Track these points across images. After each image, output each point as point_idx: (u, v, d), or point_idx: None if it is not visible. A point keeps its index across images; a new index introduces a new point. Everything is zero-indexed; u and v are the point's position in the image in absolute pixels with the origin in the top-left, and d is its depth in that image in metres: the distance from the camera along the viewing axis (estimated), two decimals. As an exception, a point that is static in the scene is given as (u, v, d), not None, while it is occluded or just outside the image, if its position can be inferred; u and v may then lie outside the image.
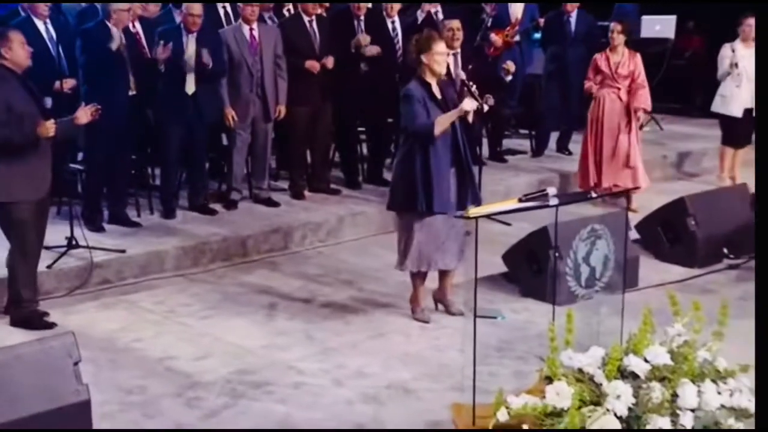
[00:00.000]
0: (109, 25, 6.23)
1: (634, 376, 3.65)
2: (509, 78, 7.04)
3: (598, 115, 7.41)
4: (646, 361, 3.71)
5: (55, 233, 5.89)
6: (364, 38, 7.34)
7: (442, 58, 5.11)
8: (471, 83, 5.19)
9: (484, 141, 8.42)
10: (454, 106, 5.05)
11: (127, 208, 6.75)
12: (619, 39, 7.36)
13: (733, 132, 7.99)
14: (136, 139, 6.78)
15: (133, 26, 6.77)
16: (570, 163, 8.48)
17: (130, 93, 6.34)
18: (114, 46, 6.16)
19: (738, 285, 5.76)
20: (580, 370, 3.66)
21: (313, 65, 7.04)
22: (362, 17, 7.49)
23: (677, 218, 6.09)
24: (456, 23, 6.85)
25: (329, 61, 7.09)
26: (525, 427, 3.53)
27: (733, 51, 7.76)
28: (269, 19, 7.54)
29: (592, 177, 7.43)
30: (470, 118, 4.99)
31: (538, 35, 9.67)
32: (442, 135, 4.99)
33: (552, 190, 4.06)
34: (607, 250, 3.94)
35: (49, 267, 5.71)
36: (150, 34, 6.75)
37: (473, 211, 4.13)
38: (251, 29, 6.93)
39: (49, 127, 4.84)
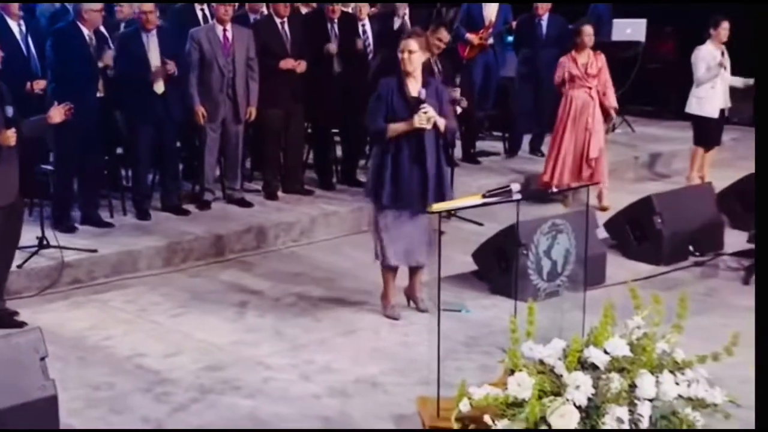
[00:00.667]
0: (81, 26, 6.25)
1: (594, 367, 3.71)
2: (460, 109, 7.06)
3: (570, 114, 7.47)
4: (606, 352, 3.78)
5: (27, 233, 5.87)
6: (333, 48, 7.41)
7: (406, 56, 5.11)
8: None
9: (458, 142, 8.48)
10: (433, 101, 5.09)
11: (100, 210, 6.76)
12: (591, 41, 7.46)
13: (707, 133, 8.10)
14: (106, 141, 6.80)
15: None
16: (542, 164, 8.55)
17: (99, 95, 6.33)
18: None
19: (702, 281, 5.86)
20: (541, 362, 3.72)
21: (287, 62, 7.09)
22: (336, 20, 7.55)
23: (644, 216, 6.18)
24: (445, 35, 6.90)
25: (301, 66, 7.13)
26: (486, 417, 3.59)
27: (722, 54, 7.87)
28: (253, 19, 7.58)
29: (556, 175, 7.45)
30: (428, 126, 5.01)
31: (511, 38, 9.78)
32: (405, 135, 5.05)
33: (516, 186, 4.11)
34: (569, 245, 4.00)
35: (19, 267, 5.70)
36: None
37: (436, 206, 4.18)
38: (225, 30, 6.95)
39: (10, 137, 4.80)
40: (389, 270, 5.30)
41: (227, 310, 5.52)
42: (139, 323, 5.33)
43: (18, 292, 5.61)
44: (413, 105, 4.99)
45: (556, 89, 7.64)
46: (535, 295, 3.98)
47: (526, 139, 9.11)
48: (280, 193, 7.49)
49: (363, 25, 7.86)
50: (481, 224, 6.87)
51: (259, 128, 7.40)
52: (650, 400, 3.69)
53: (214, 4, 7.08)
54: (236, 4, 7.27)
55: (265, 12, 7.72)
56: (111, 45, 6.85)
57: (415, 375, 4.52)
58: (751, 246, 5.92)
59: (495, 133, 9.49)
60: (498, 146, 9.23)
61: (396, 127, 5.05)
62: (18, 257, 5.67)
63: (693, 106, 8.04)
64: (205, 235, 6.55)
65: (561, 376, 3.68)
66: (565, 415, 3.53)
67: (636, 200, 6.35)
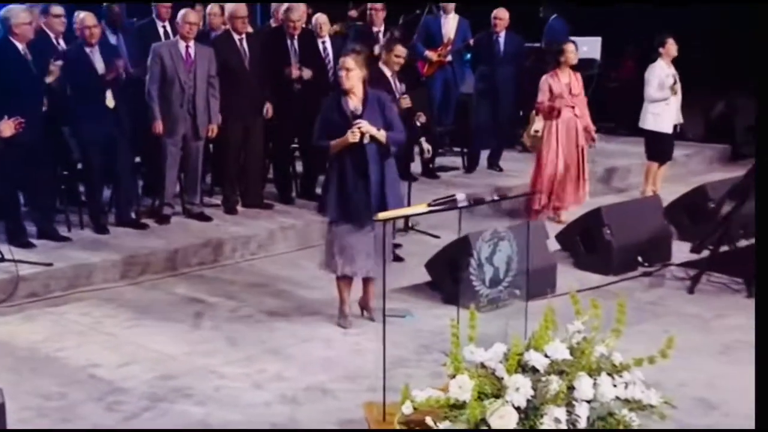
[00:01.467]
0: (13, 40, 6.21)
1: (534, 370, 3.81)
2: (419, 123, 7.19)
3: (558, 134, 7.55)
4: (546, 356, 3.89)
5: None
6: (295, 71, 7.52)
7: (343, 74, 5.23)
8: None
9: (416, 157, 8.61)
10: (371, 118, 5.21)
11: (57, 224, 6.79)
12: (575, 59, 7.55)
13: (662, 148, 8.29)
14: (62, 156, 6.82)
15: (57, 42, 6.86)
16: (500, 179, 8.73)
17: (44, 109, 6.32)
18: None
19: (649, 291, 5.99)
20: (483, 365, 3.82)
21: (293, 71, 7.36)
22: (296, 37, 7.65)
23: (593, 228, 6.32)
24: (402, 51, 7.01)
25: (306, 73, 7.39)
26: (428, 419, 3.67)
27: (676, 71, 8.09)
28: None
29: (554, 196, 7.53)
30: (366, 140, 5.12)
31: (469, 55, 9.95)
32: (348, 150, 5.16)
33: (461, 196, 4.23)
34: (511, 252, 4.11)
35: (-27, 281, 5.73)
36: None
37: (381, 215, 4.28)
38: (187, 47, 7.02)
39: None
40: (342, 280, 5.38)
41: (182, 321, 5.56)
42: (93, 335, 5.36)
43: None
44: (350, 121, 5.11)
45: (536, 109, 7.67)
46: (478, 300, 4.08)
47: (485, 154, 9.25)
48: (239, 208, 7.55)
49: (323, 43, 7.98)
50: (437, 236, 6.97)
51: (218, 143, 7.47)
52: (588, 402, 3.79)
53: (177, 22, 7.14)
54: (200, 23, 7.35)
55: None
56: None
57: (365, 382, 4.59)
58: (695, 256, 6.10)
59: (455, 149, 9.61)
60: (458, 161, 9.36)
61: (335, 144, 5.17)
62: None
63: (650, 122, 8.22)
64: (162, 248, 6.60)
65: (502, 378, 3.78)
66: (504, 416, 3.62)
67: (586, 212, 6.49)
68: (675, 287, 6.01)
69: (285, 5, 7.69)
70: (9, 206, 6.51)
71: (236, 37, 7.29)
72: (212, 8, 8.01)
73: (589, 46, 10.03)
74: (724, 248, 5.98)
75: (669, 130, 8.16)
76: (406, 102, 6.73)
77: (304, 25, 7.81)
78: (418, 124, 7.93)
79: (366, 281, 5.46)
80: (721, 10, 11.71)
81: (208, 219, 7.24)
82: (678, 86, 8.06)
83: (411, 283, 6.07)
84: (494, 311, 4.12)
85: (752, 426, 4.10)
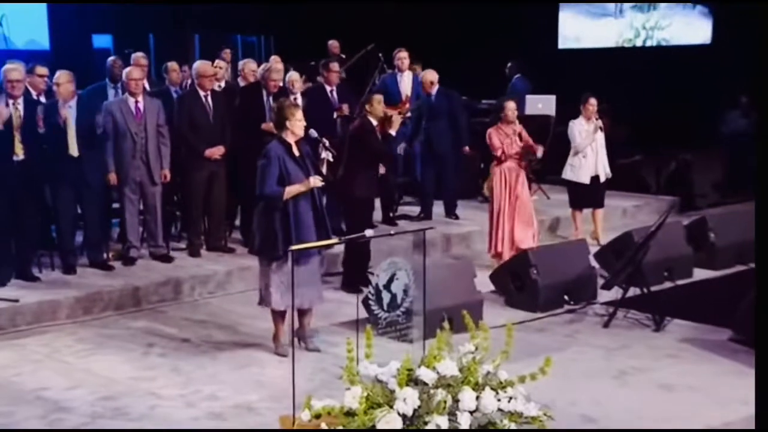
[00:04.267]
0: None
1: (423, 383, 4.28)
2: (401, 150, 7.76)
3: (508, 186, 8.00)
4: (437, 372, 4.34)
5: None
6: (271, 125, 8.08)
7: (302, 123, 5.86)
8: (323, 139, 5.98)
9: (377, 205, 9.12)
10: (309, 159, 5.79)
11: (31, 266, 7.29)
12: (514, 116, 8.04)
13: (581, 196, 8.85)
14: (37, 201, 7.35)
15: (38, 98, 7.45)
16: (454, 227, 9.19)
17: (16, 158, 6.78)
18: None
19: (568, 325, 6.43)
20: (377, 379, 4.28)
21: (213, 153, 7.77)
22: (272, 92, 8.22)
23: (522, 269, 6.78)
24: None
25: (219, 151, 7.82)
26: (323, 425, 4.12)
27: (596, 126, 8.67)
28: (174, 92, 8.25)
29: (510, 241, 7.81)
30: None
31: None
32: (304, 194, 5.69)
33: (369, 232, 4.75)
34: (407, 281, 4.59)
35: (-57, 314, 6.21)
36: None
37: (295, 247, 4.79)
38: (136, 102, 7.57)
39: None
40: (277, 313, 5.85)
41: (133, 351, 6.02)
42: (49, 363, 5.82)
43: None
44: (314, 144, 5.66)
45: (494, 158, 8.11)
46: (377, 323, 4.55)
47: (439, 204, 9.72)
48: (203, 251, 8.05)
49: (295, 98, 8.53)
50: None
51: (184, 191, 8.01)
52: (471, 412, 4.25)
53: (124, 80, 7.69)
54: (144, 78, 7.92)
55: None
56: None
57: (289, 401, 5.01)
58: (608, 291, 6.56)
59: (408, 199, 10.10)
60: (417, 210, 9.86)
61: (292, 189, 5.65)
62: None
63: (568, 173, 8.87)
64: (124, 287, 7.08)
65: (393, 391, 4.24)
66: (389, 422, 4.07)
67: (515, 255, 6.97)
68: (593, 323, 6.45)
69: (260, 65, 8.29)
70: (2, 248, 6.97)
71: (202, 93, 7.87)
72: (171, 65, 8.61)
73: (544, 103, 10.62)
74: (636, 289, 6.42)
75: (586, 180, 8.71)
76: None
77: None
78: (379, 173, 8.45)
79: (302, 313, 5.92)
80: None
81: (170, 260, 7.73)
82: (600, 132, 8.62)
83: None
84: (394, 333, 4.60)
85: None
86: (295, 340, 5.89)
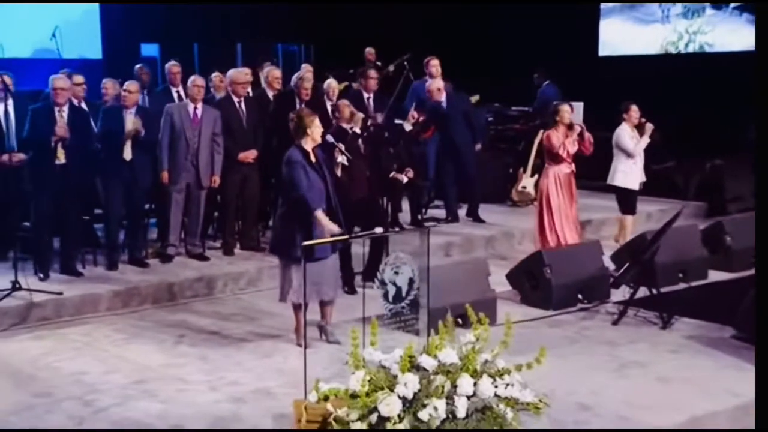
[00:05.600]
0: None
1: (424, 369, 4.59)
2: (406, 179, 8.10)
3: (563, 185, 8.14)
4: (438, 360, 4.65)
5: (2, 278, 6.92)
6: None
7: (320, 130, 6.22)
8: (339, 144, 6.35)
9: (405, 207, 9.46)
10: (325, 163, 6.17)
11: (76, 262, 7.78)
12: (570, 117, 8.24)
13: (633, 201, 8.97)
14: (86, 202, 7.84)
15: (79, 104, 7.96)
16: (477, 229, 9.46)
17: (58, 162, 7.24)
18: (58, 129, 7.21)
19: (579, 322, 6.67)
20: (381, 365, 4.60)
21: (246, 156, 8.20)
22: (304, 99, 8.61)
23: (536, 268, 7.04)
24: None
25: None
26: (329, 405, 4.46)
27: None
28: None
29: (561, 240, 8.07)
30: None
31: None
32: (320, 195, 6.04)
33: (379, 230, 5.09)
34: (411, 274, 4.89)
35: (-7, 305, 6.69)
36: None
37: (306, 243, 5.15)
38: (195, 108, 8.05)
39: None
40: (298, 307, 6.20)
41: (166, 341, 6.43)
42: (88, 350, 6.26)
43: (-9, 327, 6.58)
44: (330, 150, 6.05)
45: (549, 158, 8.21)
46: (383, 314, 4.88)
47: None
48: (237, 250, 8.47)
49: (333, 105, 8.84)
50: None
51: (219, 193, 8.44)
52: (468, 397, 4.54)
53: (188, 85, 8.19)
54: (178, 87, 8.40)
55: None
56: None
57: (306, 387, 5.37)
58: (616, 289, 6.78)
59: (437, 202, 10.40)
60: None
61: (323, 220, 5.92)
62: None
63: (620, 180, 8.72)
64: (160, 282, 7.52)
65: (396, 376, 4.56)
66: (389, 404, 4.39)
67: (530, 254, 7.25)
68: (603, 320, 6.69)
69: (298, 73, 8.72)
70: (40, 246, 7.51)
71: (235, 99, 8.30)
72: (216, 75, 9.07)
73: (574, 110, 10.80)
74: (644, 288, 6.64)
75: (636, 186, 8.83)
76: (409, 174, 7.93)
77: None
78: (406, 179, 8.86)
79: (323, 305, 6.27)
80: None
81: (206, 258, 8.15)
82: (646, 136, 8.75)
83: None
84: (399, 324, 4.93)
85: (622, 424, 4.79)
86: (318, 332, 6.30)
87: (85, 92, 8.28)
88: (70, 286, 7.26)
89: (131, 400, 5.29)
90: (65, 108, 7.35)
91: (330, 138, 6.57)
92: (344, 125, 7.49)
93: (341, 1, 13.71)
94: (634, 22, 16.54)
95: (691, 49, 16.06)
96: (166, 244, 8.19)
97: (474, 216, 9.82)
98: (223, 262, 8.15)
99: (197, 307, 7.34)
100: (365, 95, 9.08)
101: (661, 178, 11.31)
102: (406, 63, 10.70)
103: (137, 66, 9.37)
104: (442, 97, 9.52)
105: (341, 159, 6.40)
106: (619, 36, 16.44)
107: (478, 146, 9.85)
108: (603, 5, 15.46)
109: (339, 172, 6.40)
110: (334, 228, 5.93)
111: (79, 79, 8.17)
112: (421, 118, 9.18)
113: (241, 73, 8.41)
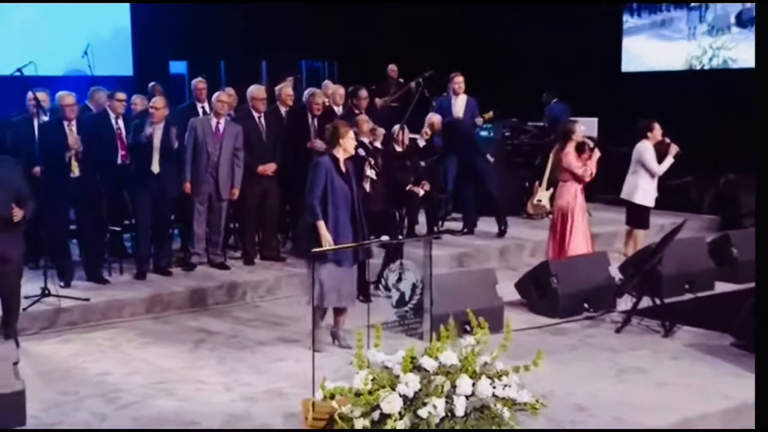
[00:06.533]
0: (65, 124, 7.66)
1: (425, 370, 4.83)
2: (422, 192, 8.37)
3: (578, 204, 8.32)
4: (439, 361, 4.89)
5: (32, 284, 7.26)
6: (315, 143, 8.78)
7: (354, 142, 6.52)
8: (369, 158, 6.65)
9: (422, 219, 9.70)
10: (355, 175, 6.49)
11: (102, 270, 8.12)
12: (581, 136, 8.43)
13: (647, 218, 9.14)
14: (115, 214, 8.23)
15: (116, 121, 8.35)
16: (491, 240, 9.68)
17: (73, 176, 7.60)
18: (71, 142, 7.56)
19: (584, 330, 6.88)
20: (384, 365, 4.85)
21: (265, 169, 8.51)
22: (315, 114, 8.94)
23: (543, 277, 7.27)
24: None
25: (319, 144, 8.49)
26: (334, 403, 4.71)
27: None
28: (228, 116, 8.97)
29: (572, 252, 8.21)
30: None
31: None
32: (345, 202, 6.32)
33: (385, 238, 5.36)
34: (414, 280, 5.15)
35: (24, 310, 7.00)
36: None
37: (316, 249, 5.42)
38: (218, 123, 8.39)
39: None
40: (316, 311, 6.46)
41: (186, 345, 6.73)
42: (112, 353, 6.57)
43: (23, 330, 6.85)
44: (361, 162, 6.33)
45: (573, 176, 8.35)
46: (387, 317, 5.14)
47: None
48: (257, 260, 8.77)
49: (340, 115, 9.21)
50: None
51: (240, 205, 8.75)
52: (467, 396, 4.77)
53: (213, 101, 8.53)
54: (231, 102, 8.76)
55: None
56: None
57: (316, 388, 5.62)
58: (620, 298, 6.96)
59: (456, 215, 10.63)
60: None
61: (324, 233, 6.21)
62: (24, 303, 6.98)
63: (640, 196, 8.71)
64: (183, 290, 7.83)
65: (398, 376, 4.81)
66: (391, 402, 4.64)
67: (537, 264, 7.47)
68: (607, 328, 6.89)
69: (310, 90, 9.08)
70: (60, 253, 7.88)
71: (255, 114, 8.63)
72: (228, 90, 9.36)
73: (586, 126, 10.99)
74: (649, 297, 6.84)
75: (653, 203, 8.95)
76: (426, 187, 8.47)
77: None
78: (422, 191, 9.13)
79: (338, 312, 6.54)
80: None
81: (227, 267, 8.46)
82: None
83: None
84: (402, 328, 5.18)
85: (616, 425, 4.99)
86: (331, 337, 6.57)
87: (125, 109, 8.62)
88: (97, 293, 7.59)
89: (151, 399, 5.59)
90: (74, 123, 7.72)
91: (362, 152, 6.85)
92: (363, 139, 7.78)
93: (365, 18, 14.06)
94: (660, 39, 16.72)
95: (714, 63, 16.19)
96: (190, 253, 8.51)
97: (502, 233, 9.97)
98: (243, 271, 8.45)
99: (217, 313, 7.64)
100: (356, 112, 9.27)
101: (676, 192, 11.49)
102: (421, 80, 10.97)
103: (150, 84, 9.70)
104: (462, 113, 9.82)
105: (370, 173, 6.72)
106: (644, 52, 16.61)
107: (491, 158, 10.06)
108: (629, 23, 15.62)
109: (368, 187, 6.72)
110: (330, 240, 6.19)
111: (121, 96, 8.50)
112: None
113: (260, 90, 8.74)
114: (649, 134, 8.97)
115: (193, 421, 5.22)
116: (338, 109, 9.31)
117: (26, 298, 7.01)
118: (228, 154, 8.38)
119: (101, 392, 5.71)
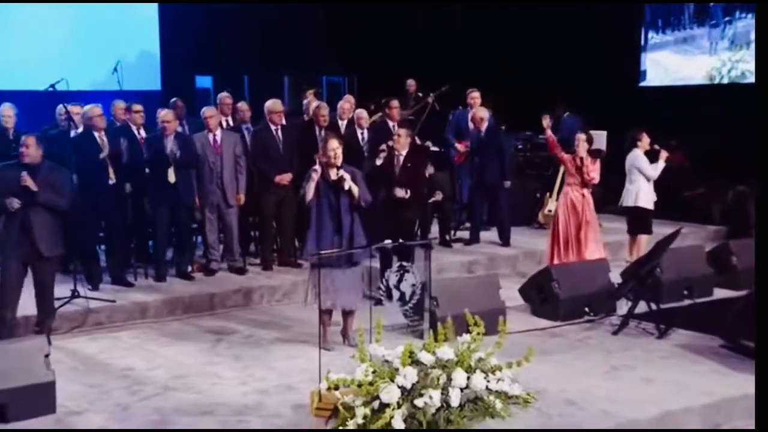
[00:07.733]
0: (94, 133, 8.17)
1: (422, 364, 5.19)
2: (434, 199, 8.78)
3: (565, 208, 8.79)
4: (436, 356, 5.25)
5: (63, 286, 7.70)
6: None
7: (332, 152, 6.82)
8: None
9: (435, 229, 10.06)
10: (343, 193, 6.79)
11: (127, 274, 8.57)
12: (583, 147, 8.88)
13: (649, 222, 9.46)
14: (136, 221, 8.67)
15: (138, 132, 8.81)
16: (501, 249, 10.01)
17: (111, 182, 8.09)
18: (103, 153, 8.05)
19: (583, 332, 7.20)
20: (385, 359, 5.22)
21: (282, 179, 8.90)
22: (323, 126, 9.34)
23: (545, 283, 7.60)
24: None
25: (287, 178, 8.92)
26: (337, 393, 5.09)
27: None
28: (245, 129, 9.43)
29: (572, 255, 8.71)
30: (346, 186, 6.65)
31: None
32: (328, 209, 6.67)
33: (388, 242, 5.74)
34: (414, 282, 5.51)
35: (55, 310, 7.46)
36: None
37: (321, 252, 5.81)
38: (214, 136, 8.82)
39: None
40: (324, 313, 6.84)
41: (205, 344, 7.14)
42: (136, 350, 7.00)
43: (55, 329, 7.27)
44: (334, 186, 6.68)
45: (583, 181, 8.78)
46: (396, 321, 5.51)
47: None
48: (275, 266, 9.17)
49: (362, 133, 9.57)
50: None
51: (257, 214, 9.17)
52: (462, 389, 5.13)
53: (203, 118, 8.90)
54: (227, 116, 9.20)
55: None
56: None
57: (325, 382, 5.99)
58: (617, 301, 7.26)
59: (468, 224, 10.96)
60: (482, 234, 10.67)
61: (309, 187, 6.64)
62: (56, 304, 7.44)
63: (642, 200, 9.24)
64: (202, 293, 8.25)
65: (397, 369, 5.18)
66: (389, 392, 5.01)
67: (539, 270, 7.80)
68: (605, 331, 7.20)
69: (315, 103, 9.47)
70: (90, 258, 8.36)
71: (273, 127, 9.06)
72: (242, 105, 9.78)
73: (597, 139, 11.29)
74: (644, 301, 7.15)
75: (652, 206, 9.31)
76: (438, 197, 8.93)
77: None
78: (435, 199, 9.48)
79: (345, 314, 6.91)
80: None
81: (245, 272, 8.88)
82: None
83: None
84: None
85: (602, 417, 5.31)
86: (341, 337, 6.95)
87: (144, 119, 9.08)
88: (122, 296, 8.04)
89: (170, 391, 6.00)
90: (103, 133, 8.21)
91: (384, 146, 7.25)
92: (402, 152, 8.10)
93: (383, 35, 14.49)
94: (682, 54, 17.00)
95: (733, 74, 16.45)
96: (209, 259, 8.94)
97: (504, 240, 10.31)
98: (261, 277, 8.86)
99: (235, 315, 8.05)
100: (390, 124, 9.71)
101: (687, 203, 11.76)
102: (431, 94, 11.35)
103: (172, 99, 10.15)
104: (483, 127, 10.18)
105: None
106: (663, 67, 16.90)
107: (508, 183, 10.35)
108: (654, 39, 15.92)
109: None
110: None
111: (137, 107, 8.99)
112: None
113: (278, 103, 9.16)
114: (638, 143, 9.37)
115: (208, 411, 5.61)
116: (342, 123, 9.71)
117: (57, 299, 7.46)
118: (230, 162, 8.80)
119: (125, 385, 6.13)
